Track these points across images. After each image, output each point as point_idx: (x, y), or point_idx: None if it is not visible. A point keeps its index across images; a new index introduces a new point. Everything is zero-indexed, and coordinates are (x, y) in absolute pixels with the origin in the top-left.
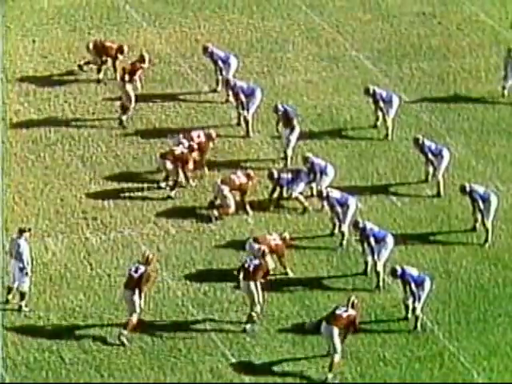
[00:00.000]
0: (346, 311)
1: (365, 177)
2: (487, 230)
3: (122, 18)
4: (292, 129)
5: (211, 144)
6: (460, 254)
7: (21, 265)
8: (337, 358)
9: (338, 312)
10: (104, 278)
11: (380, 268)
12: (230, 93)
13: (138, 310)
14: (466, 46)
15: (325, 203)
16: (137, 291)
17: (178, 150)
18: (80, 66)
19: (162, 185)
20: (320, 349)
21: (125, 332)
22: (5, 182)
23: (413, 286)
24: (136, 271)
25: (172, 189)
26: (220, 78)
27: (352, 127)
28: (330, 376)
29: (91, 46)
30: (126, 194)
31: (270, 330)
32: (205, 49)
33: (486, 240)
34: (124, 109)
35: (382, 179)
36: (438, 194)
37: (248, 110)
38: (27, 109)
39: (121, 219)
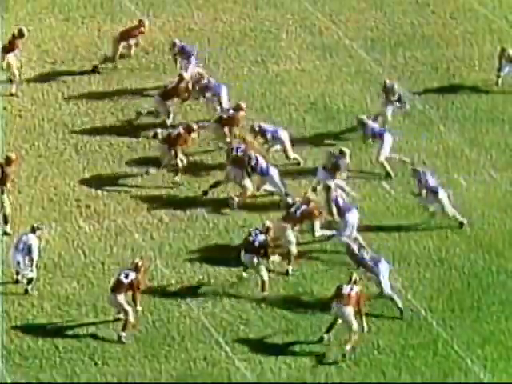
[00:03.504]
0: (352, 289)
1: (358, 165)
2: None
3: (116, 7)
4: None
5: (194, 135)
6: (453, 241)
7: (28, 261)
8: (353, 334)
9: (345, 291)
10: (97, 265)
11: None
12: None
13: (129, 310)
14: (460, 35)
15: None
16: (125, 296)
17: (175, 132)
18: (96, 67)
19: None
20: (314, 337)
21: (123, 334)
22: None
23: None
24: (126, 277)
25: (176, 174)
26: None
27: (345, 115)
28: (347, 348)
29: (118, 37)
30: (120, 183)
31: (264, 317)
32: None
33: (462, 224)
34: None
35: (375, 167)
36: (388, 175)
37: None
38: (21, 98)
39: (114, 207)
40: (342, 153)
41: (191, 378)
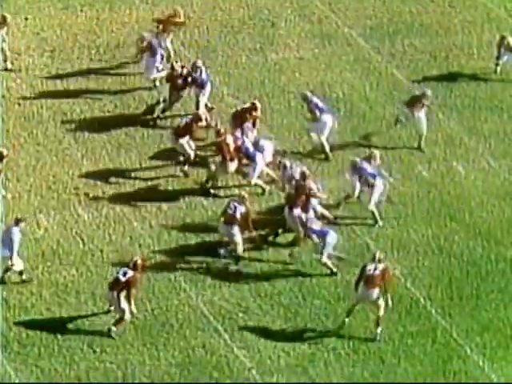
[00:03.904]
0: (376, 268)
1: (357, 153)
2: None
3: None
4: None
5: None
6: (452, 229)
7: (9, 253)
8: (381, 313)
9: (370, 272)
10: (96, 253)
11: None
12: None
13: (126, 309)
14: (458, 24)
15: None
16: (122, 294)
17: (183, 122)
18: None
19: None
20: (312, 324)
21: (114, 328)
22: None
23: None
24: (124, 275)
25: (184, 164)
26: None
27: (344, 104)
28: (378, 331)
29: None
30: (118, 171)
31: (263, 305)
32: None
33: (376, 221)
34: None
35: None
36: (326, 158)
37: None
38: (19, 85)
39: (113, 195)
40: (370, 156)
41: (190, 366)
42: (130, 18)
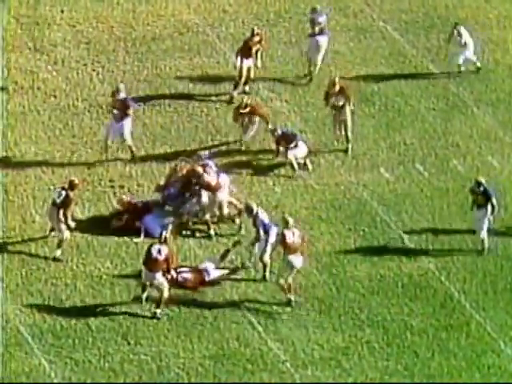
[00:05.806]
0: None
1: (392, 147)
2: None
3: None
4: None
5: None
6: None
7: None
8: None
9: None
10: (131, 245)
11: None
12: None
13: (167, 285)
14: (494, 18)
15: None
16: (161, 272)
17: None
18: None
19: None
20: (346, 317)
21: (158, 310)
22: (32, 150)
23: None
24: (159, 252)
25: None
26: None
27: (379, 98)
28: None
29: None
30: (153, 163)
31: (297, 298)
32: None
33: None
34: (235, 84)
35: (409, 149)
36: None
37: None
38: (55, 77)
39: (148, 187)
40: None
41: (224, 358)
42: (165, 11)
